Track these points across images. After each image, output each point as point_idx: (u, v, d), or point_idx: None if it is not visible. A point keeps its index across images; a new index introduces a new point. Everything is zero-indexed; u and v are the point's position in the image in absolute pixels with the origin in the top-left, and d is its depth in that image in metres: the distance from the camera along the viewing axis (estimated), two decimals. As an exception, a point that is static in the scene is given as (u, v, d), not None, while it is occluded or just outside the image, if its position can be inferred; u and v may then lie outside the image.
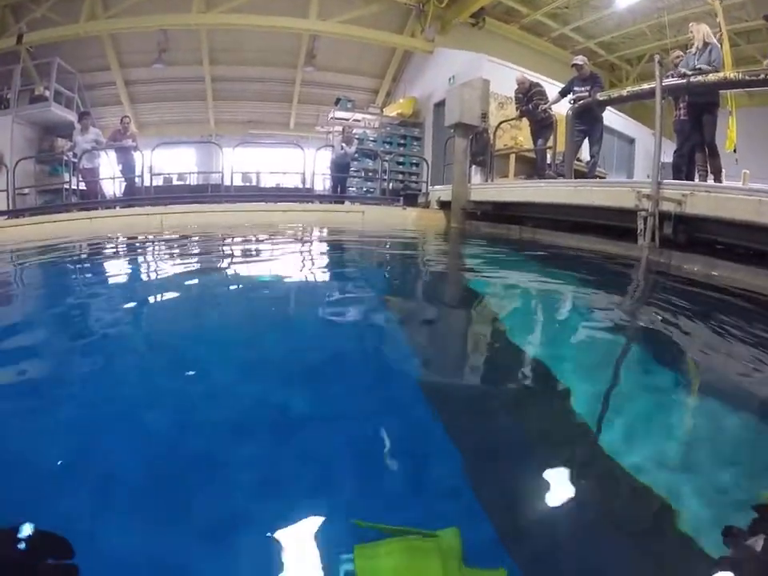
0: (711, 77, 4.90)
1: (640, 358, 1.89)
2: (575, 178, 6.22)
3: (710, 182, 5.29)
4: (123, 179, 9.66)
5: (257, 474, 1.11)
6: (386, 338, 2.06)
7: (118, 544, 0.90)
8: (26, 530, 0.87)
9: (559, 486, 1.07)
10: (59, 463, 1.14)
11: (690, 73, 5.06)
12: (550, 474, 1.11)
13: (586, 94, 6.43)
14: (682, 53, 5.66)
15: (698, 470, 1.15)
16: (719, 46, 5.40)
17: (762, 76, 4.54)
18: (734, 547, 0.92)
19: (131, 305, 2.65)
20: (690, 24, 5.57)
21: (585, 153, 7.42)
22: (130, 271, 4.08)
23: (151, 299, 2.81)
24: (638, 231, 4.25)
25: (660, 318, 2.41)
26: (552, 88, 7.74)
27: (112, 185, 10.30)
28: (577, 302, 2.77)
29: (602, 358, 1.82)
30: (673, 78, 5.25)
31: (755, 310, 2.94)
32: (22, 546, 0.84)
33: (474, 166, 8.52)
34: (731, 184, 6.44)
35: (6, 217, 8.50)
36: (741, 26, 11.01)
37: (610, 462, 1.14)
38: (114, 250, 5.71)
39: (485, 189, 7.66)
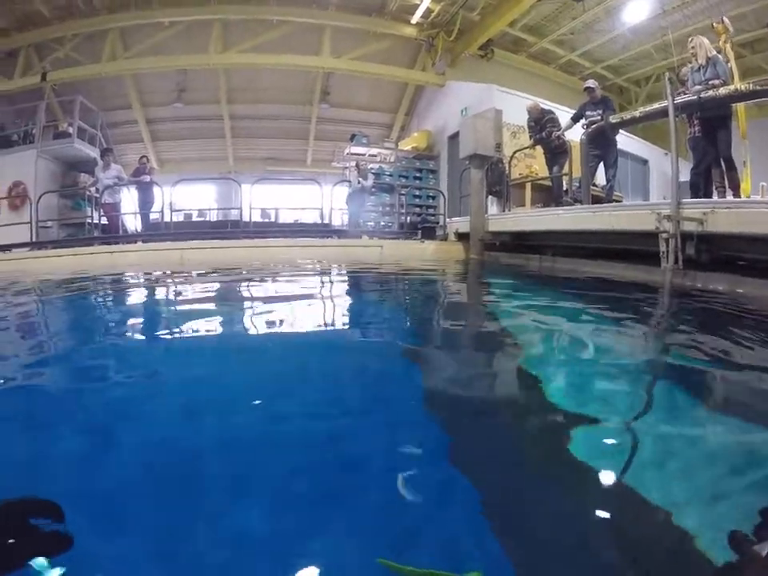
0: (722, 90, 4.79)
1: (671, 397, 1.81)
2: (592, 203, 6.13)
3: (729, 197, 5.15)
4: (143, 215, 9.80)
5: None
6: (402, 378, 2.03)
7: None
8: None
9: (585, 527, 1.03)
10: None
11: (700, 88, 4.98)
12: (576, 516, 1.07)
13: (599, 117, 6.40)
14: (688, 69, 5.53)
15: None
16: (721, 58, 5.30)
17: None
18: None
19: (146, 345, 2.62)
20: (690, 38, 5.47)
21: (600, 177, 7.39)
22: (147, 304, 4.12)
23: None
24: (661, 254, 4.14)
25: (685, 345, 2.35)
26: (564, 114, 7.80)
27: (133, 220, 10.37)
28: (596, 334, 2.64)
29: (629, 398, 1.73)
30: (684, 95, 5.13)
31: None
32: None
33: (490, 197, 8.53)
34: (751, 198, 6.35)
35: (29, 249, 8.66)
36: (744, 36, 10.98)
37: (635, 498, 1.09)
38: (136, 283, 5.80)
39: (502, 219, 7.61)
